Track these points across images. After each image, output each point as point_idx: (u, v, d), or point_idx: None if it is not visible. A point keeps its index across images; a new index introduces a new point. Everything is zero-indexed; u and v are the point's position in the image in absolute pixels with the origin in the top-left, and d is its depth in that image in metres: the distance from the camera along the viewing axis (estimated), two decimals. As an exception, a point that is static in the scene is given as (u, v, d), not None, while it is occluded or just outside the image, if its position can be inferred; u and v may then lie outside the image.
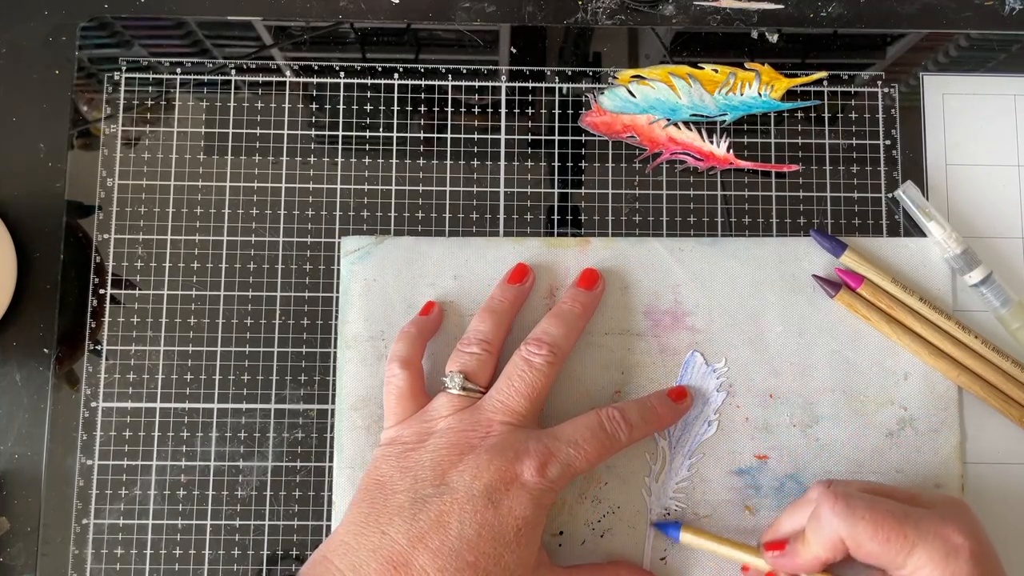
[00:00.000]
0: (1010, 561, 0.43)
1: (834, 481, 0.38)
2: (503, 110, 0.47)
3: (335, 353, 0.44)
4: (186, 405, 0.44)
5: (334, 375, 0.44)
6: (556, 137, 0.47)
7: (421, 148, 0.46)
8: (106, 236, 0.45)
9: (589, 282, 0.43)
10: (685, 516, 0.43)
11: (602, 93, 0.47)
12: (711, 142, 0.46)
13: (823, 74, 0.47)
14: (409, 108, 0.47)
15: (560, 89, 0.47)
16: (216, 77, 0.47)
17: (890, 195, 0.46)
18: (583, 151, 0.47)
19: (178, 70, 0.47)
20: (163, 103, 0.46)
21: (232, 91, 0.46)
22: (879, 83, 0.47)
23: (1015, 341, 0.44)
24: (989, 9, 0.48)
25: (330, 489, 0.43)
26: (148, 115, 0.46)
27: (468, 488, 0.36)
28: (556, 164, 0.46)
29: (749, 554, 0.40)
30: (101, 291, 0.45)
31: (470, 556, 0.35)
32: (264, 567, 0.43)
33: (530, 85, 0.47)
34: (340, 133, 0.46)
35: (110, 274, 0.45)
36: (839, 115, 0.47)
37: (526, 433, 0.38)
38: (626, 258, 0.44)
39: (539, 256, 0.44)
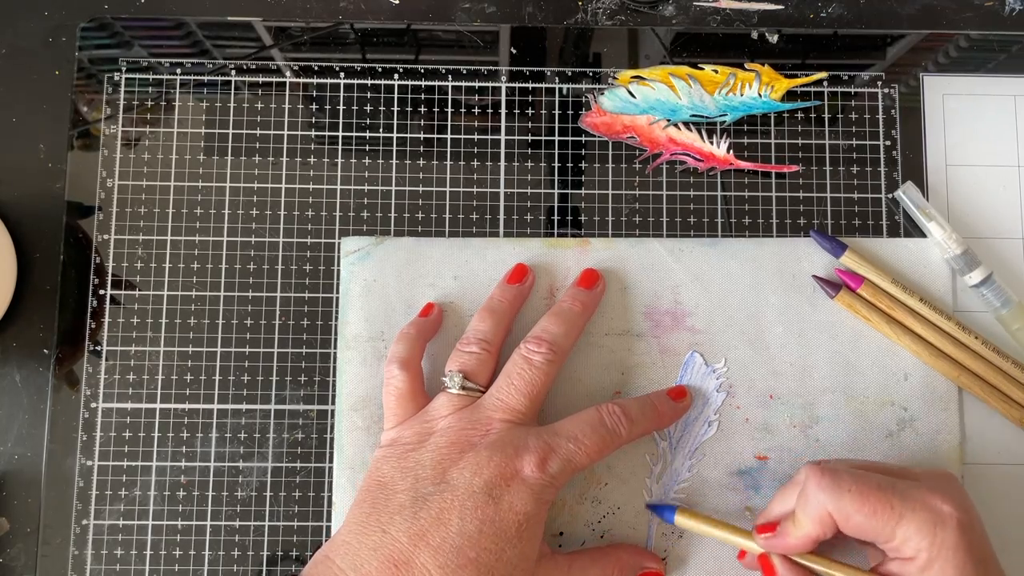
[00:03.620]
0: (1010, 563, 0.43)
1: (824, 460, 0.38)
2: (503, 110, 0.47)
3: (335, 353, 0.44)
4: (186, 405, 0.44)
5: (334, 375, 0.44)
6: (556, 137, 0.47)
7: (421, 148, 0.46)
8: (106, 237, 0.45)
9: (589, 281, 0.43)
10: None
11: (602, 94, 0.47)
12: (711, 143, 0.46)
13: (823, 75, 0.47)
14: (409, 108, 0.47)
15: (560, 90, 0.47)
16: (216, 78, 0.47)
17: (890, 196, 0.46)
18: (583, 151, 0.47)
19: (178, 71, 0.47)
20: (163, 103, 0.46)
21: (232, 91, 0.46)
22: (879, 84, 0.47)
23: (1015, 342, 0.44)
24: (989, 10, 0.48)
25: (330, 490, 0.43)
26: (148, 115, 0.46)
27: (468, 484, 0.36)
28: (556, 164, 0.46)
29: (743, 537, 0.40)
30: (101, 292, 0.45)
31: (471, 552, 0.35)
32: (264, 568, 0.43)
33: (530, 86, 0.47)
34: (340, 133, 0.46)
35: (110, 275, 0.45)
36: (839, 116, 0.47)
37: (526, 430, 0.38)
38: (626, 259, 0.44)
39: (539, 256, 0.44)
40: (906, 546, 0.34)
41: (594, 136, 0.47)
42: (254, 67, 0.47)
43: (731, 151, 0.46)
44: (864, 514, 0.34)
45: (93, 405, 0.44)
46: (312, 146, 0.46)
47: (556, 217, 0.46)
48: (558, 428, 0.39)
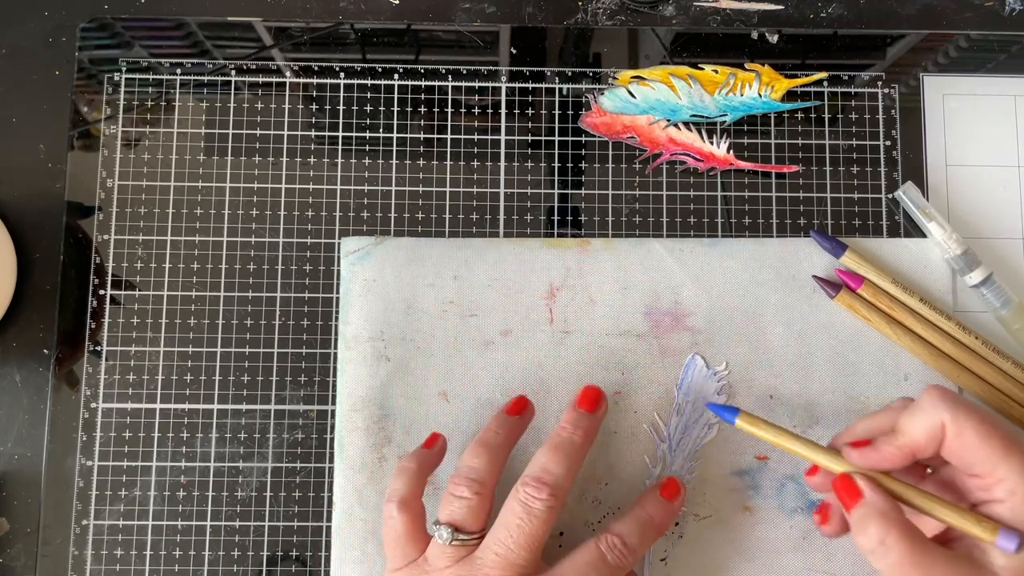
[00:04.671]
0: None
1: None
2: (503, 110, 0.47)
3: (335, 353, 0.44)
4: (186, 406, 0.44)
5: (334, 375, 0.44)
6: (556, 138, 0.47)
7: (421, 148, 0.46)
8: (106, 237, 0.45)
9: (592, 404, 0.40)
10: (686, 517, 0.42)
11: (602, 94, 0.47)
12: (711, 143, 0.46)
13: (823, 75, 0.47)
14: (409, 109, 0.47)
15: (560, 90, 0.47)
16: (216, 78, 0.47)
17: (890, 196, 0.46)
18: (583, 151, 0.47)
19: (178, 71, 0.47)
20: (163, 104, 0.46)
21: (232, 92, 0.46)
22: (879, 84, 0.47)
23: (1015, 342, 0.44)
24: (989, 10, 0.48)
25: (330, 490, 0.43)
26: (148, 116, 0.46)
27: None
28: (556, 164, 0.46)
29: (816, 452, 0.37)
30: (101, 292, 0.45)
31: None
32: (264, 568, 0.43)
33: (530, 86, 0.47)
34: (340, 133, 0.46)
35: (110, 275, 0.45)
36: (839, 116, 0.47)
37: None
38: (626, 259, 0.44)
39: (539, 256, 0.44)
40: (1001, 486, 0.33)
41: (594, 136, 0.47)
42: (254, 67, 0.47)
43: (731, 151, 0.46)
44: (979, 434, 0.33)
45: (93, 405, 0.44)
46: (312, 146, 0.46)
47: (556, 217, 0.46)
48: None
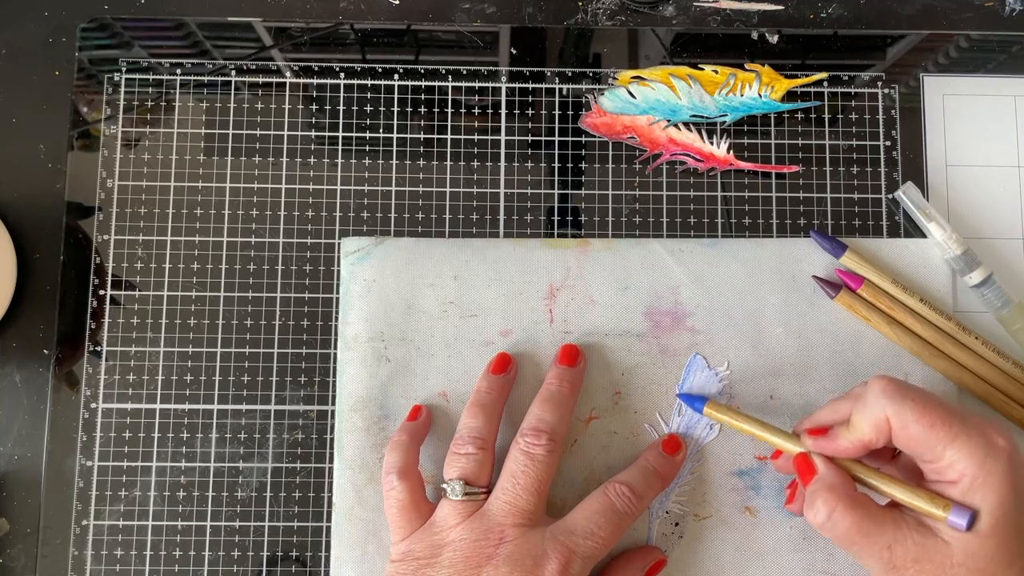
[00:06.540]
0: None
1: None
2: (503, 111, 0.47)
3: (335, 354, 0.44)
4: (186, 406, 0.44)
5: (334, 375, 0.44)
6: (556, 138, 0.47)
7: (421, 149, 0.46)
8: (106, 237, 0.45)
9: (572, 359, 0.42)
10: (686, 518, 0.43)
11: (602, 94, 0.47)
12: (711, 143, 0.46)
13: (823, 75, 0.47)
14: (409, 109, 0.47)
15: (560, 90, 0.47)
16: (216, 78, 0.47)
17: (890, 196, 0.46)
18: (583, 152, 0.47)
19: (178, 71, 0.47)
20: (163, 104, 0.46)
21: (232, 92, 0.46)
22: (879, 84, 0.47)
23: (1015, 342, 0.44)
24: (989, 10, 0.48)
25: (330, 490, 0.43)
26: (148, 116, 0.46)
27: None
28: (556, 165, 0.46)
29: (778, 436, 0.39)
30: (101, 292, 0.45)
31: None
32: (264, 568, 0.43)
33: (530, 86, 0.47)
34: (340, 134, 0.46)
35: (110, 275, 0.45)
36: (839, 116, 0.47)
37: (540, 534, 0.37)
38: (626, 259, 0.44)
39: (539, 256, 0.44)
40: (951, 469, 0.34)
41: (594, 136, 0.47)
42: (254, 67, 0.47)
43: (731, 151, 0.46)
44: (922, 425, 0.34)
45: (93, 405, 0.44)
46: (312, 146, 0.46)
47: (556, 217, 0.46)
48: (572, 525, 0.38)
